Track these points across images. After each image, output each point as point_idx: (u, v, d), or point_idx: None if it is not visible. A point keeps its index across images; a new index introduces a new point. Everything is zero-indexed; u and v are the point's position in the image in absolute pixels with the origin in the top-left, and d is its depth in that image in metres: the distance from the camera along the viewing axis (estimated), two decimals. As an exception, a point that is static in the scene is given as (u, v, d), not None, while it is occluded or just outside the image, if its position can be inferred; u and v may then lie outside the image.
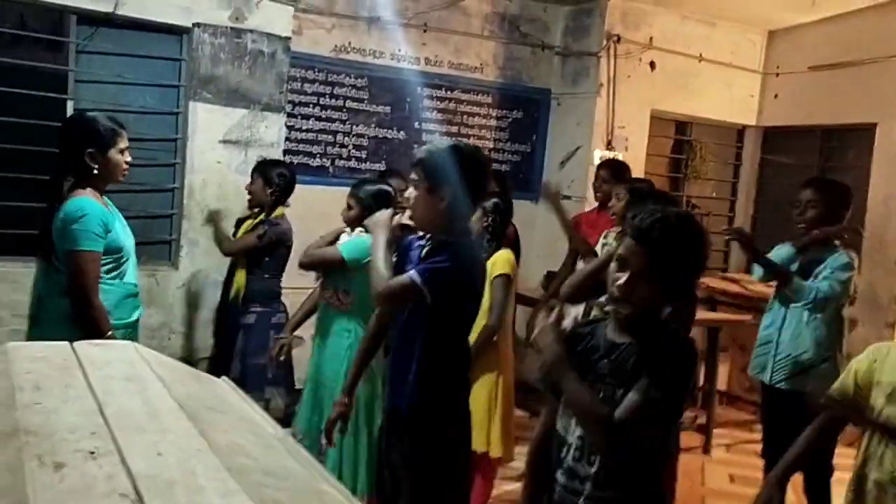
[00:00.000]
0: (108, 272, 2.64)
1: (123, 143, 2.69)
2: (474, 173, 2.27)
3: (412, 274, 2.20)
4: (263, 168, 3.86)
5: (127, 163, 2.72)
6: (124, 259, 2.72)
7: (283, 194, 3.85)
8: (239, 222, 4.02)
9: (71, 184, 2.64)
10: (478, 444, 3.32)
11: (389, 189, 3.31)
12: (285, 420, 3.57)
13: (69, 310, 2.56)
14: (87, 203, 2.57)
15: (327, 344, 3.20)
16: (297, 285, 3.98)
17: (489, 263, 3.36)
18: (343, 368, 3.07)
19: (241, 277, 3.76)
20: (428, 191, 2.24)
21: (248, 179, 3.95)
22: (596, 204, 4.60)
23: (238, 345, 3.70)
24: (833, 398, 2.27)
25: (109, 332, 2.56)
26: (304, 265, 3.34)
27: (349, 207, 3.22)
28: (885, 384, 2.20)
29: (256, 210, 3.90)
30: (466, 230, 2.39)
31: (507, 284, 3.38)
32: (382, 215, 2.39)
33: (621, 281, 1.76)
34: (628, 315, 1.80)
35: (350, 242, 3.17)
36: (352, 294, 3.16)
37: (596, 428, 1.76)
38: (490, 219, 3.41)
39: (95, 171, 2.61)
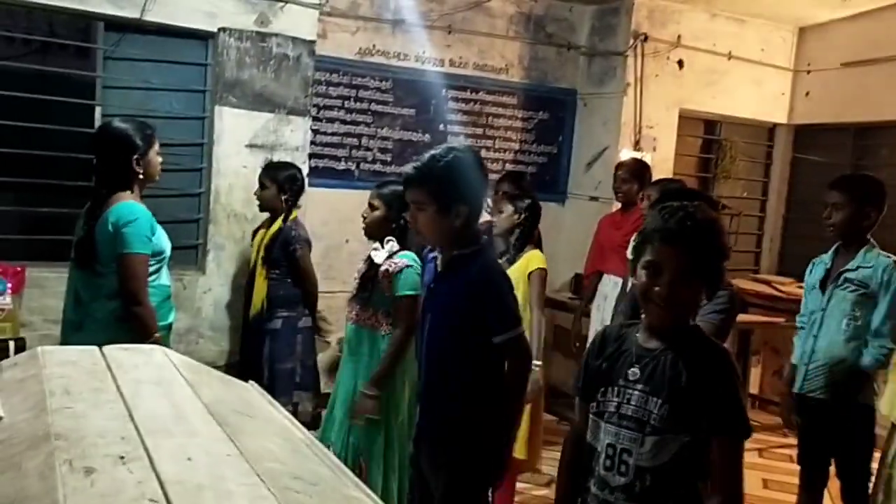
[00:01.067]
0: (150, 275, 2.71)
1: (157, 143, 2.80)
2: (478, 175, 2.20)
3: (507, 335, 2.17)
4: (274, 174, 3.84)
5: (161, 162, 2.83)
6: (165, 262, 2.80)
7: (296, 198, 3.84)
8: (254, 233, 4.01)
9: (109, 188, 2.70)
10: None
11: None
12: (313, 423, 3.57)
13: (115, 313, 2.64)
14: (137, 207, 2.66)
15: (367, 365, 3.07)
16: (321, 289, 3.99)
17: (524, 260, 3.36)
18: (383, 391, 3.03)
19: (261, 286, 3.74)
20: (438, 212, 2.13)
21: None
22: (619, 205, 4.54)
23: (265, 350, 3.70)
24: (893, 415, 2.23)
25: (157, 334, 2.64)
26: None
27: (372, 208, 3.17)
28: None
29: (268, 218, 3.90)
30: (476, 237, 2.30)
31: (544, 279, 3.40)
32: None
33: (660, 289, 1.70)
34: (670, 322, 1.74)
35: (406, 281, 2.99)
36: (391, 318, 3.10)
37: None
38: (522, 217, 3.39)
39: (141, 175, 2.72)
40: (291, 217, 3.81)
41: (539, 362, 3.24)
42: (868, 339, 3.00)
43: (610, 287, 4.31)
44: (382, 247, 3.07)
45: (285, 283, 3.78)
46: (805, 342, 3.19)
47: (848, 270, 3.06)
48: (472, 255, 2.21)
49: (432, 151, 2.20)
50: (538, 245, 3.91)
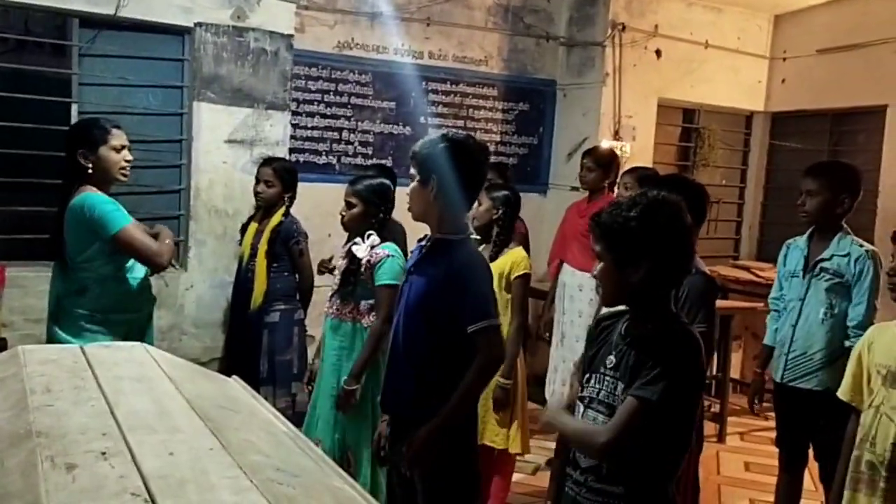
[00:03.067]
0: (122, 268, 2.75)
1: (116, 141, 2.77)
2: (466, 163, 2.25)
3: (480, 324, 2.18)
4: (279, 171, 3.80)
5: (127, 161, 2.80)
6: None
7: (296, 193, 3.85)
8: (243, 228, 3.96)
9: (67, 183, 2.75)
10: (497, 442, 3.33)
11: (389, 183, 3.29)
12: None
13: (83, 310, 2.68)
14: (88, 195, 2.68)
15: (349, 358, 3.10)
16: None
17: (508, 263, 3.37)
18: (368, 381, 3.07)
19: (263, 279, 3.71)
20: (420, 183, 2.27)
21: (254, 179, 3.92)
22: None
23: (264, 343, 3.68)
24: (850, 394, 2.29)
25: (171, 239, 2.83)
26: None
27: (349, 205, 3.18)
28: (878, 365, 2.21)
29: (259, 212, 3.87)
30: (462, 226, 2.36)
31: (527, 284, 3.42)
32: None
33: (598, 276, 1.83)
34: (613, 304, 1.87)
35: (385, 271, 3.02)
36: (373, 310, 3.11)
37: (598, 455, 1.79)
38: (500, 211, 3.39)
39: (90, 171, 2.71)
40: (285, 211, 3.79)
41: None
42: (850, 331, 2.99)
43: (568, 276, 4.30)
44: (363, 241, 3.08)
45: (283, 277, 3.77)
46: (783, 331, 3.21)
47: (823, 260, 3.07)
48: (457, 243, 2.26)
49: (437, 133, 2.35)
50: (525, 241, 3.93)
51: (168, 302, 4.13)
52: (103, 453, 1.00)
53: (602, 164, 4.23)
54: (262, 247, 3.73)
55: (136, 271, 2.81)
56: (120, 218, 2.67)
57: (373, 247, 3.05)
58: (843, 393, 2.41)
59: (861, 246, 3.04)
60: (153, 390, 1.31)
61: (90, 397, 1.24)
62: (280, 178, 3.79)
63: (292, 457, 1.24)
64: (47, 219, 4.00)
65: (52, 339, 2.74)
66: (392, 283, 2.92)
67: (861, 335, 2.97)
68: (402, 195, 4.25)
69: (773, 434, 3.48)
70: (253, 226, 3.87)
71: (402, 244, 4.09)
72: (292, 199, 3.84)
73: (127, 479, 0.92)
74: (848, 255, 3.03)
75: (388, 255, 3.01)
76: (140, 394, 1.29)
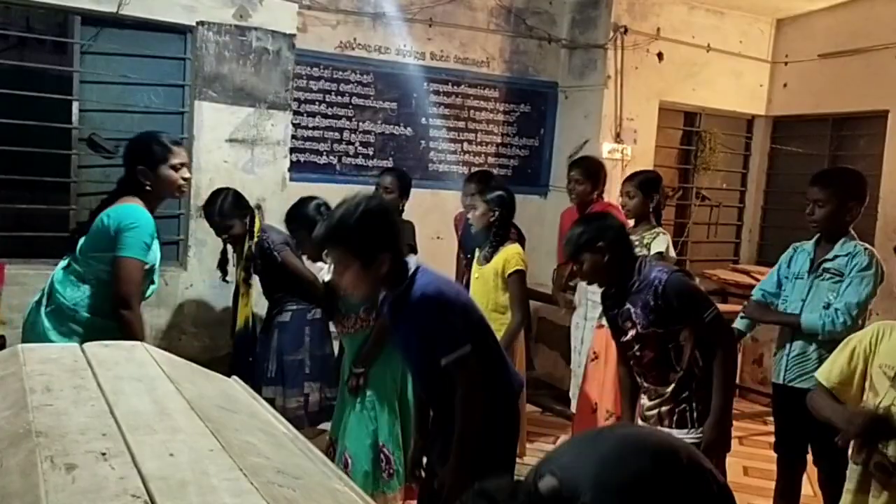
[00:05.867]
0: None
1: (176, 160, 2.73)
2: (391, 217, 2.22)
3: (452, 356, 2.16)
4: (237, 210, 3.66)
5: (186, 179, 2.77)
6: (149, 272, 2.76)
7: (252, 217, 3.70)
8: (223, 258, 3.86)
9: (119, 192, 2.71)
10: None
11: (312, 214, 3.30)
12: (322, 413, 3.60)
13: (75, 299, 2.65)
14: (141, 213, 2.64)
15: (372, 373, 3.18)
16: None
17: (501, 262, 3.36)
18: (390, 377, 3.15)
19: (244, 309, 3.66)
20: (363, 266, 2.12)
21: (255, 177, 3.92)
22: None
23: (274, 342, 3.65)
24: (835, 382, 2.29)
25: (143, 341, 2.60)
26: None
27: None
28: (884, 366, 2.19)
29: (238, 245, 3.72)
30: (406, 264, 2.25)
31: (523, 279, 3.41)
32: None
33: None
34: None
35: None
36: (369, 309, 3.15)
37: None
38: (497, 213, 3.39)
39: (148, 188, 2.69)
40: (257, 230, 3.66)
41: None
42: (835, 307, 2.99)
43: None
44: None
45: (281, 288, 3.68)
46: (784, 332, 3.21)
47: (826, 260, 3.09)
48: (407, 288, 2.19)
49: (340, 209, 2.16)
50: (520, 239, 3.92)
51: (168, 301, 4.13)
52: (103, 454, 0.99)
53: (591, 176, 4.17)
54: (240, 277, 3.66)
55: (146, 291, 2.78)
56: (137, 249, 2.61)
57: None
58: (826, 378, 2.36)
59: (865, 248, 3.06)
60: (153, 390, 1.31)
61: (90, 397, 1.23)
62: (234, 206, 3.65)
63: (293, 458, 1.23)
64: (47, 217, 4.01)
65: (33, 322, 2.72)
66: None
67: (841, 320, 2.96)
68: (412, 195, 4.31)
69: (772, 439, 3.48)
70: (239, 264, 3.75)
71: (412, 240, 4.11)
72: (252, 221, 3.67)
73: (127, 480, 0.92)
74: (849, 254, 3.05)
75: None
76: (140, 394, 1.29)
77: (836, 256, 3.08)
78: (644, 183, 3.80)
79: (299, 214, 3.39)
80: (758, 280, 5.45)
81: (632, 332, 2.60)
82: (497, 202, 3.40)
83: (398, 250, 2.19)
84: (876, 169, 5.32)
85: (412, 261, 2.24)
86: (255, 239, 3.61)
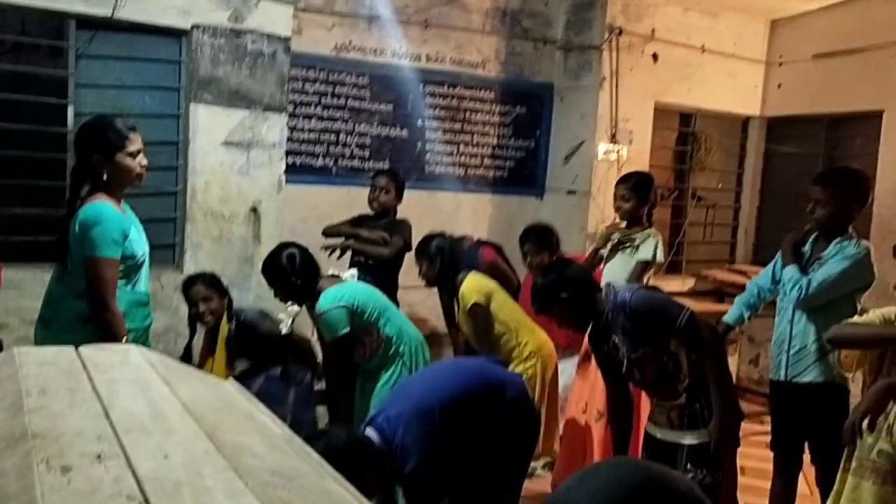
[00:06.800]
0: (119, 279, 2.64)
1: (133, 146, 2.65)
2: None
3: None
4: (217, 289, 3.54)
5: (143, 166, 2.71)
6: (137, 267, 2.72)
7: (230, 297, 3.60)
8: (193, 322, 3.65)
9: (87, 189, 2.64)
10: None
11: (285, 264, 3.26)
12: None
13: (80, 312, 2.59)
14: (104, 209, 2.57)
15: (367, 393, 3.25)
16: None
17: (461, 293, 3.55)
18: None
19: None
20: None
21: (251, 180, 3.92)
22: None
23: (253, 388, 3.59)
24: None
25: (125, 338, 2.57)
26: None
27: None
28: None
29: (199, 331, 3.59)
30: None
31: (482, 311, 3.51)
32: None
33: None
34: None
35: (325, 328, 3.16)
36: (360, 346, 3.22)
37: None
38: (439, 261, 3.59)
39: (105, 177, 2.61)
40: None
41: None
42: (803, 287, 3.02)
43: None
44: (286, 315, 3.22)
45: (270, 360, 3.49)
46: (781, 328, 3.21)
47: (821, 257, 3.10)
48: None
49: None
50: (494, 267, 4.01)
51: (164, 304, 4.12)
52: (98, 456, 1.00)
53: (545, 245, 3.99)
54: (223, 360, 3.44)
55: (138, 286, 2.74)
56: (105, 247, 2.53)
57: (294, 317, 3.22)
58: (868, 319, 2.39)
59: (859, 241, 3.06)
60: (148, 392, 1.31)
61: (85, 399, 1.23)
62: (215, 286, 3.54)
63: (288, 460, 1.23)
64: (44, 220, 4.00)
65: (41, 343, 2.64)
66: (338, 336, 3.10)
67: (805, 290, 2.98)
68: (405, 197, 4.32)
69: (768, 438, 3.48)
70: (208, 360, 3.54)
71: (409, 238, 4.12)
72: (231, 302, 3.55)
73: (122, 482, 0.92)
74: (841, 247, 3.05)
75: (322, 313, 3.12)
76: (135, 396, 1.29)
77: (829, 253, 3.08)
78: (638, 185, 3.82)
79: (272, 263, 3.32)
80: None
81: (626, 360, 2.62)
82: (435, 253, 3.61)
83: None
84: (871, 169, 5.34)
85: None
86: (228, 328, 3.44)
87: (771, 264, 3.36)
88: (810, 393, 3.08)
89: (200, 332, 3.59)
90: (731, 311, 3.43)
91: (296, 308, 3.20)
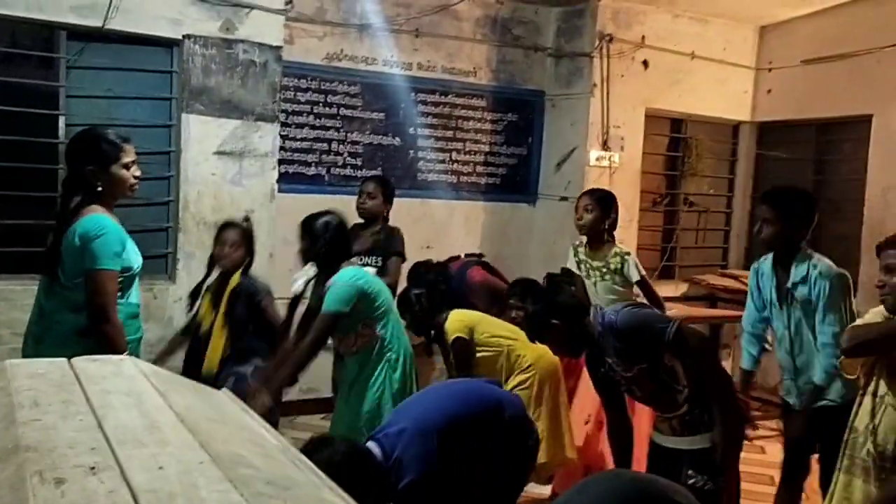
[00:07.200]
0: (122, 292, 2.64)
1: (127, 158, 2.65)
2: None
3: None
4: (249, 234, 3.60)
5: (136, 177, 2.70)
6: (132, 279, 2.71)
7: (253, 257, 3.63)
8: (194, 291, 3.69)
9: (79, 201, 2.61)
10: None
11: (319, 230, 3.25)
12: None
13: (76, 327, 2.56)
14: (105, 221, 2.56)
15: (350, 390, 3.21)
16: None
17: (446, 328, 3.55)
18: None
19: (219, 344, 3.45)
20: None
21: (243, 190, 3.91)
22: None
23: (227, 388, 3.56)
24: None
25: (126, 351, 2.54)
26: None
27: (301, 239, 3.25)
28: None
29: (219, 276, 3.58)
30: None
31: (465, 344, 3.51)
32: None
33: None
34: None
35: (329, 296, 3.09)
36: (362, 335, 3.18)
37: None
38: (423, 301, 3.60)
39: (100, 188, 2.60)
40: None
41: None
42: (827, 351, 2.93)
43: None
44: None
45: (246, 337, 3.53)
46: (781, 358, 3.18)
47: (793, 287, 3.04)
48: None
49: None
50: (492, 294, 4.03)
51: (156, 315, 4.11)
52: (92, 468, 0.99)
53: (494, 300, 3.99)
54: (222, 310, 3.47)
55: (131, 297, 2.72)
56: (107, 259, 2.52)
57: (308, 280, 3.17)
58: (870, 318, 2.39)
59: (815, 267, 2.99)
60: (142, 404, 1.30)
61: (78, 411, 1.23)
62: (247, 240, 3.57)
63: (283, 469, 1.23)
64: (35, 232, 3.99)
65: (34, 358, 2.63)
66: (332, 311, 3.03)
67: (826, 354, 2.89)
68: (398, 205, 4.31)
69: (765, 443, 3.48)
70: (210, 290, 3.60)
71: (402, 249, 4.11)
72: (251, 262, 3.60)
73: (116, 494, 0.92)
74: (807, 279, 2.99)
75: (333, 283, 3.09)
76: (128, 407, 1.29)
77: (796, 284, 3.03)
78: (603, 199, 3.85)
79: (309, 221, 3.31)
80: (746, 284, 5.50)
81: (623, 380, 2.62)
82: (415, 300, 3.61)
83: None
84: (861, 173, 5.38)
85: None
86: (240, 279, 3.50)
87: (749, 300, 3.32)
88: (824, 415, 3.00)
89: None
90: (742, 358, 3.36)
91: (312, 271, 3.16)
